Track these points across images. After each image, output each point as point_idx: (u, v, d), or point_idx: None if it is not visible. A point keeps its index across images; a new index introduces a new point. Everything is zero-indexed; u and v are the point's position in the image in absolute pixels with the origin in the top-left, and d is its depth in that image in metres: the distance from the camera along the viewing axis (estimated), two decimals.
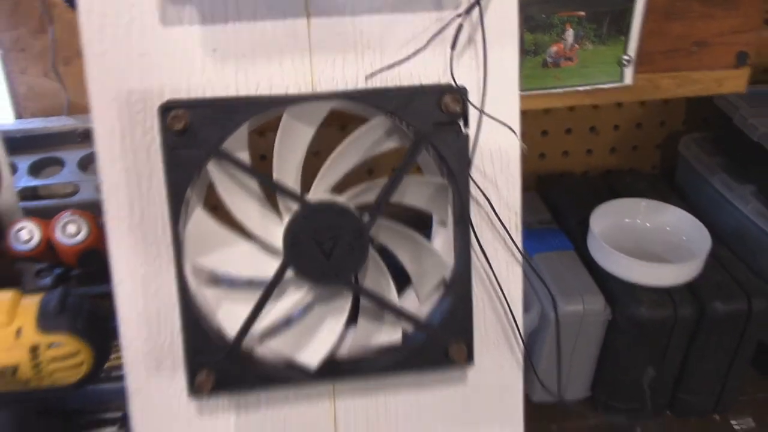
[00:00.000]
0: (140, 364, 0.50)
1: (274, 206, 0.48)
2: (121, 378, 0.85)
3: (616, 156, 1.21)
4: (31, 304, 0.66)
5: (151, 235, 0.48)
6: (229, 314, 0.48)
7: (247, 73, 0.47)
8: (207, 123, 0.44)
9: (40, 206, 0.88)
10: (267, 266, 0.47)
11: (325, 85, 0.48)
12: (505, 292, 0.53)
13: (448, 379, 0.54)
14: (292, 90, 0.48)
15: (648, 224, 1.02)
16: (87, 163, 0.96)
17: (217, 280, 0.49)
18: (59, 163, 0.96)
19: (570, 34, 0.62)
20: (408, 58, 0.46)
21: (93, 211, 0.84)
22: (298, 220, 0.46)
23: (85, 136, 0.98)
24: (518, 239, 0.52)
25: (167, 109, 0.44)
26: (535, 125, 1.16)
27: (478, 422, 0.55)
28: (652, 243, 1.00)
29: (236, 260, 0.47)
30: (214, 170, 0.46)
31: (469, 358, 0.50)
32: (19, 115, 1.02)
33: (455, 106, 0.46)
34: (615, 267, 0.96)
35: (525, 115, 1.10)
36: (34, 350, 0.64)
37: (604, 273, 0.97)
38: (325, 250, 0.46)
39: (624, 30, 0.62)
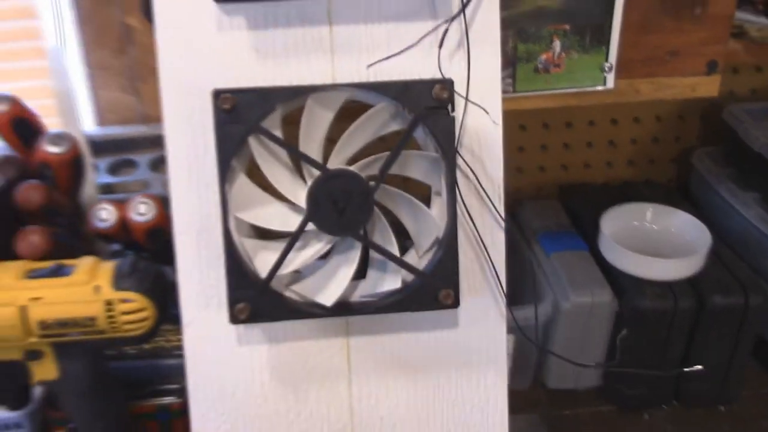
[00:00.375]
0: (193, 301, 0.63)
1: (300, 174, 0.61)
2: (179, 355, 1.00)
3: (634, 168, 1.31)
4: (108, 266, 0.79)
5: (204, 196, 0.61)
6: (263, 260, 0.60)
7: (281, 69, 0.60)
8: (249, 105, 0.57)
9: (116, 199, 1.03)
10: (293, 221, 0.59)
11: (342, 79, 0.61)
12: (489, 252, 0.64)
13: (442, 324, 0.65)
14: (317, 82, 0.60)
15: (655, 227, 1.12)
16: (156, 165, 1.11)
17: (254, 233, 0.62)
18: (133, 164, 1.12)
19: (557, 44, 0.74)
20: (400, 52, 0.59)
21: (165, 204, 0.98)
22: (318, 183, 0.58)
23: (155, 142, 1.13)
24: (500, 207, 0.63)
25: (218, 94, 0.57)
26: (557, 138, 1.26)
27: (469, 363, 0.66)
28: (659, 243, 1.10)
29: (269, 216, 0.60)
30: (254, 143, 0.59)
31: (455, 302, 0.61)
32: (100, 124, 1.18)
33: (443, 93, 0.58)
34: (622, 263, 1.05)
35: (548, 128, 1.21)
36: (108, 304, 0.77)
37: (612, 269, 1.07)
38: (339, 208, 0.58)
39: (604, 41, 0.74)
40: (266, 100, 0.58)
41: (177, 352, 1.01)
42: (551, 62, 0.74)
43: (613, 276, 1.07)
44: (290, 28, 0.60)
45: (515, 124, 1.24)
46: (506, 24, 0.72)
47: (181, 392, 0.99)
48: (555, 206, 1.25)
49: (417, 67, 0.61)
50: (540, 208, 1.24)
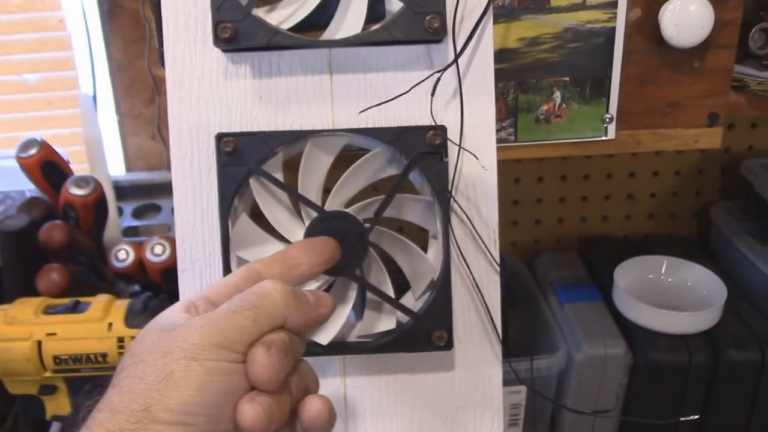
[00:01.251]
0: None
1: (299, 215, 0.63)
2: None
3: (654, 222, 1.31)
4: (121, 305, 0.82)
5: (208, 234, 0.64)
6: None
7: (284, 114, 0.63)
8: (250, 148, 0.60)
9: (137, 241, 1.07)
10: None
11: (341, 125, 0.63)
12: (485, 296, 0.65)
13: (437, 366, 0.66)
14: (317, 127, 0.63)
15: (670, 279, 1.12)
16: None
17: None
18: (157, 208, 1.16)
19: (557, 95, 0.76)
20: (391, 99, 0.61)
21: None
22: (315, 224, 0.61)
23: None
24: (495, 252, 0.64)
25: (221, 137, 0.60)
26: (576, 190, 1.27)
27: (464, 406, 0.67)
28: (674, 297, 1.09)
29: (268, 254, 0.62)
30: (254, 185, 0.61)
31: (448, 344, 0.62)
32: (128, 169, 1.23)
33: (436, 139, 0.60)
34: (636, 315, 1.05)
35: (566, 180, 1.22)
36: (120, 341, 0.80)
37: (627, 321, 1.07)
38: None
39: (604, 93, 0.76)
40: (266, 143, 0.61)
41: None
42: (552, 113, 0.76)
43: (627, 328, 1.06)
44: (293, 76, 0.63)
45: (533, 176, 1.25)
46: (508, 76, 0.74)
47: None
48: (572, 257, 1.26)
49: (414, 114, 0.63)
50: (557, 259, 1.25)
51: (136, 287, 0.99)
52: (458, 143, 0.62)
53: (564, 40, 0.73)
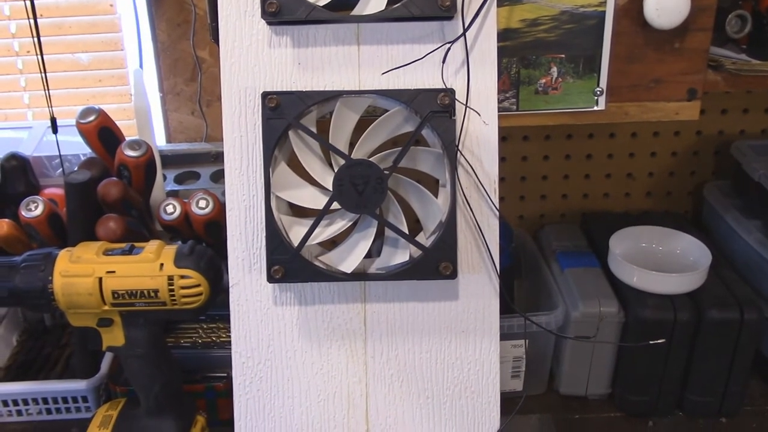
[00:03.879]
0: (239, 265, 0.77)
1: (329, 163, 0.75)
2: (226, 348, 1.14)
3: (652, 200, 1.41)
4: (171, 248, 0.94)
5: (252, 179, 0.76)
6: (296, 233, 0.74)
7: (318, 78, 0.75)
8: (290, 105, 0.72)
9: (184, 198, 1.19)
10: (322, 201, 0.73)
11: (367, 87, 0.75)
12: (485, 236, 0.76)
13: (444, 295, 0.77)
14: (347, 89, 0.75)
15: (661, 248, 1.22)
16: (217, 177, 1.27)
17: (291, 211, 0.76)
18: (196, 176, 1.28)
19: (554, 70, 0.87)
20: (410, 63, 0.73)
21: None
22: (343, 170, 0.72)
23: (216, 157, 1.30)
24: (495, 198, 0.76)
25: (266, 95, 0.72)
26: (579, 168, 1.38)
27: (466, 330, 0.78)
28: (664, 263, 1.19)
29: (303, 197, 0.74)
30: (293, 136, 0.73)
31: (453, 273, 0.74)
32: (170, 141, 1.35)
33: (446, 100, 0.72)
34: (628, 277, 1.15)
35: (570, 159, 1.32)
36: (170, 279, 0.91)
37: (620, 283, 1.17)
38: (359, 191, 0.72)
39: (595, 69, 0.87)
40: (304, 100, 0.73)
41: (225, 346, 1.16)
42: (549, 86, 0.87)
43: (621, 290, 1.16)
44: (326, 46, 0.75)
45: (540, 154, 1.36)
46: (511, 52, 0.85)
47: (227, 378, 1.13)
48: (574, 230, 1.36)
49: (428, 80, 0.75)
50: (560, 231, 1.35)
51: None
52: (465, 103, 0.74)
53: (560, 22, 0.84)
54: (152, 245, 0.94)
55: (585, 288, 1.18)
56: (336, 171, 0.73)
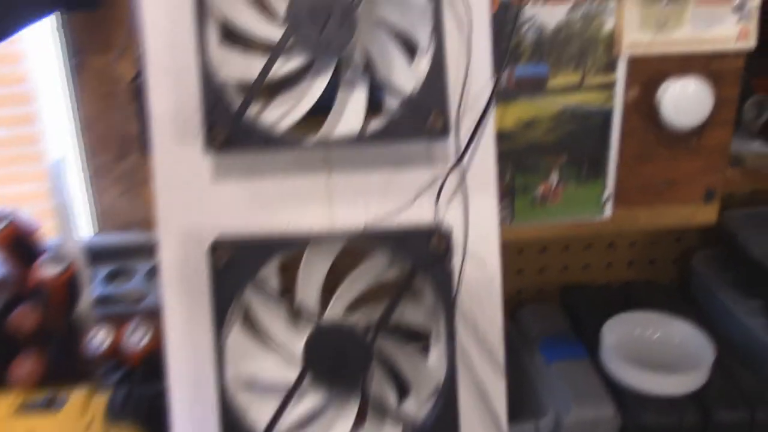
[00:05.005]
0: None
1: (297, 321, 0.60)
2: None
3: (635, 269, 1.30)
4: (100, 400, 0.78)
5: (199, 347, 0.60)
6: (258, 414, 0.59)
7: (278, 216, 0.60)
8: (246, 258, 0.57)
9: (112, 312, 1.02)
10: (290, 373, 0.58)
11: (340, 225, 0.60)
12: (491, 401, 0.62)
13: None
14: (315, 228, 0.60)
15: (657, 336, 1.10)
16: (155, 273, 1.10)
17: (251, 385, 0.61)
18: (131, 274, 1.11)
19: (554, 176, 0.74)
20: (401, 209, 0.58)
21: (157, 316, 0.98)
22: (315, 336, 0.58)
23: (153, 249, 1.13)
24: (501, 354, 0.62)
25: (215, 248, 0.57)
26: (557, 241, 1.26)
27: None
28: (661, 354, 1.08)
29: (266, 368, 0.59)
30: (250, 294, 0.58)
31: None
32: (99, 228, 1.18)
33: (442, 244, 0.58)
34: (625, 376, 1.04)
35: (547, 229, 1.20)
36: None
37: (615, 382, 1.05)
38: (337, 363, 0.57)
39: (601, 172, 0.74)
40: (263, 252, 0.58)
41: None
42: (549, 193, 0.74)
43: (616, 389, 1.05)
44: (288, 176, 0.60)
45: None
46: (503, 157, 0.72)
47: None
48: (555, 309, 1.24)
49: (413, 211, 0.61)
50: (540, 311, 1.23)
51: (114, 372, 0.94)
52: (463, 248, 0.60)
53: (561, 121, 0.71)
54: (78, 396, 0.78)
55: (576, 387, 1.05)
56: (306, 339, 0.58)
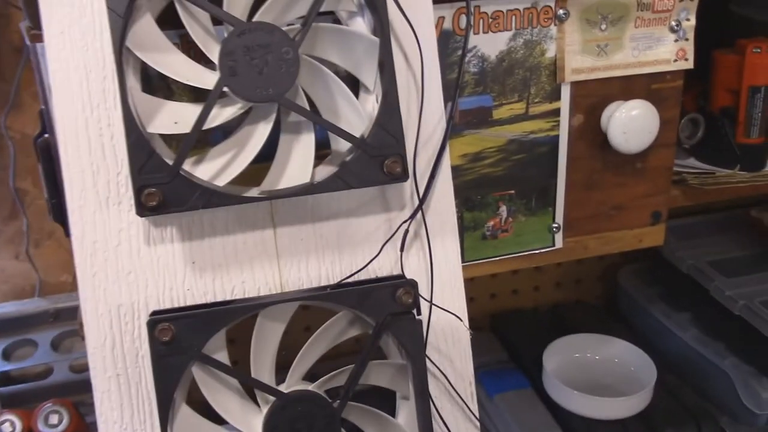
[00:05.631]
0: None
1: (253, 398, 0.53)
2: None
3: (562, 290, 1.29)
4: None
5: None
6: None
7: (222, 280, 0.53)
8: (190, 332, 0.50)
9: (16, 391, 0.91)
10: None
11: (292, 285, 0.54)
12: None
13: None
14: (263, 291, 0.54)
15: (597, 357, 1.09)
16: (59, 343, 0.99)
17: None
18: (32, 344, 1.00)
19: (503, 210, 0.70)
20: (365, 266, 0.53)
21: (67, 392, 0.87)
22: (276, 411, 0.51)
23: (56, 317, 1.02)
24: (474, 407, 0.57)
25: (154, 324, 0.49)
26: (482, 269, 1.23)
27: None
28: (603, 375, 1.07)
29: None
30: (197, 371, 0.51)
31: None
32: None
33: (408, 298, 0.53)
34: (570, 403, 1.01)
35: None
36: None
37: (560, 409, 1.03)
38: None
39: (550, 202, 0.71)
40: (208, 323, 0.51)
41: None
42: (499, 227, 0.71)
43: (561, 416, 1.02)
44: (229, 234, 0.53)
45: None
46: None
47: None
48: (489, 338, 1.21)
49: (374, 263, 0.55)
50: (476, 345, 1.20)
51: None
52: (429, 300, 0.55)
53: (508, 153, 0.68)
54: None
55: (523, 420, 1.02)
56: (266, 413, 0.51)
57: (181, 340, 0.50)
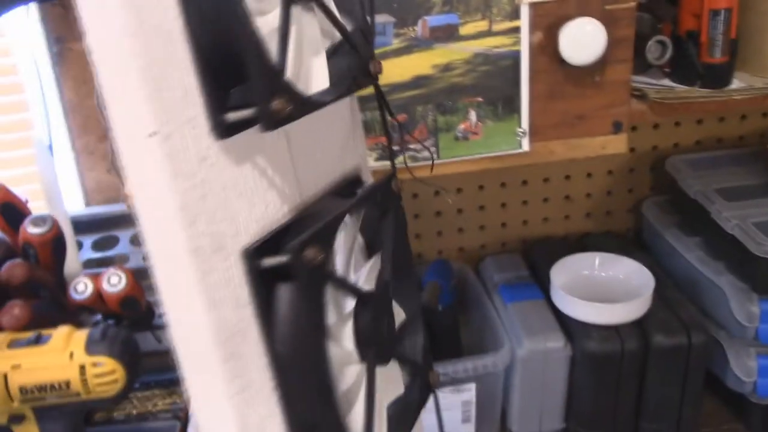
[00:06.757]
0: None
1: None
2: (164, 418, 1.07)
3: (592, 221, 1.39)
4: (81, 334, 0.87)
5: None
6: None
7: (260, 199, 0.62)
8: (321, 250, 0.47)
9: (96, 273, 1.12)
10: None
11: (306, 195, 0.55)
12: None
13: None
14: (287, 207, 0.68)
15: (603, 274, 1.19)
16: (136, 239, 1.20)
17: None
18: (115, 240, 1.21)
19: (473, 115, 0.82)
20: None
21: (139, 276, 1.07)
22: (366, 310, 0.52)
23: (135, 219, 1.23)
24: None
25: (303, 246, 0.46)
26: (515, 195, 1.34)
27: None
28: (608, 291, 1.17)
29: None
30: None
31: None
32: (88, 203, 1.28)
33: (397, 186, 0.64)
34: (572, 310, 1.12)
35: (505, 187, 1.29)
36: (82, 368, 0.85)
37: (564, 316, 1.14)
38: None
39: (516, 110, 0.83)
40: (331, 239, 0.50)
41: (162, 416, 1.09)
42: (469, 131, 0.83)
43: (565, 323, 1.13)
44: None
45: (474, 185, 1.32)
46: (426, 99, 0.81)
47: None
48: (516, 259, 1.33)
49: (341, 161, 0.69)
50: (502, 262, 1.32)
51: (99, 317, 1.04)
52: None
53: (474, 65, 0.80)
54: (61, 332, 0.87)
55: (529, 323, 1.14)
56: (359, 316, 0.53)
57: (324, 264, 0.47)
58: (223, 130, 0.45)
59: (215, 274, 0.45)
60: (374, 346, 0.53)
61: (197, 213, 0.45)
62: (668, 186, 1.29)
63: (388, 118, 0.66)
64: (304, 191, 0.55)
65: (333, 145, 0.60)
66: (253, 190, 0.50)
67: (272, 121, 0.45)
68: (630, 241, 1.33)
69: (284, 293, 0.47)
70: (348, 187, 0.61)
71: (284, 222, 0.51)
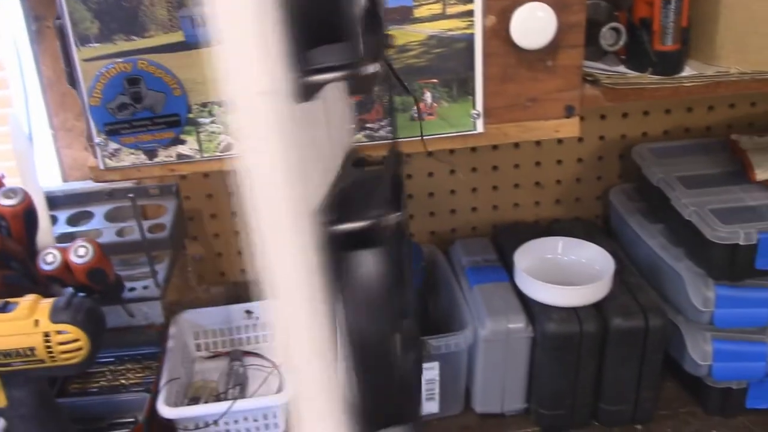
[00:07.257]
0: None
1: None
2: (135, 391, 1.10)
3: (562, 207, 1.41)
4: (46, 303, 0.90)
5: None
6: None
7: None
8: None
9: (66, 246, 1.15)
10: None
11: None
12: None
13: None
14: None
15: (566, 258, 1.21)
16: (112, 216, 1.23)
17: None
18: (90, 215, 1.23)
19: (428, 95, 0.85)
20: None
21: (110, 250, 1.09)
22: None
23: (111, 195, 1.26)
24: None
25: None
26: (486, 180, 1.37)
27: None
28: (570, 274, 1.19)
29: None
30: None
31: None
32: (65, 179, 1.31)
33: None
34: (534, 292, 1.15)
35: (477, 171, 1.31)
36: (46, 335, 0.87)
37: (527, 298, 1.16)
38: None
39: (470, 92, 0.85)
40: None
41: (133, 389, 1.12)
42: (425, 111, 0.86)
43: (528, 305, 1.16)
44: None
45: (445, 169, 1.35)
46: (381, 79, 0.83)
47: (135, 423, 1.09)
48: (485, 243, 1.35)
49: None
50: (470, 245, 1.34)
51: (70, 289, 1.06)
52: None
53: (429, 47, 0.82)
54: (27, 300, 0.90)
55: (493, 304, 1.17)
56: None
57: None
58: (306, 91, 0.44)
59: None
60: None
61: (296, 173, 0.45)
62: (635, 174, 1.32)
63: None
64: (336, 160, 0.56)
65: (341, 118, 0.62)
66: (317, 155, 0.50)
67: (362, 86, 0.46)
68: (598, 228, 1.35)
69: (366, 257, 0.47)
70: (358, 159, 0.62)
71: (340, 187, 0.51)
